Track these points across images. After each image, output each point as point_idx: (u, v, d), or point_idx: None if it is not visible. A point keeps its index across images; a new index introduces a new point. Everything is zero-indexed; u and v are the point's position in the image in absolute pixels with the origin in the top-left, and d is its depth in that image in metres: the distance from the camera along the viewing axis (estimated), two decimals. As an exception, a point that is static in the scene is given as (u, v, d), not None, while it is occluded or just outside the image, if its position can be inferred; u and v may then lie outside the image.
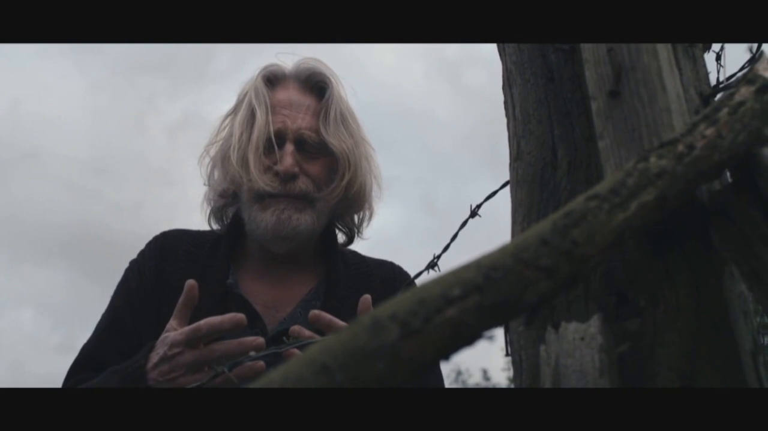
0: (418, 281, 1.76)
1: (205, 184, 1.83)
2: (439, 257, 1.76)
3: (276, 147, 1.66)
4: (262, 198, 1.67)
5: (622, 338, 0.81)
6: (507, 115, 1.13)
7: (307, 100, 1.74)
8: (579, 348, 0.78)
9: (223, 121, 1.81)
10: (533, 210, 0.98)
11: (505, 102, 1.14)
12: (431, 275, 1.45)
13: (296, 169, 1.67)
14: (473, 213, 1.76)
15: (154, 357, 1.39)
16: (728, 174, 0.87)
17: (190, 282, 1.44)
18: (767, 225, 0.81)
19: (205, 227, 1.84)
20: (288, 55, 1.84)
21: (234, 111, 1.78)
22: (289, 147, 1.68)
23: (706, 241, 0.84)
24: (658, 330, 0.81)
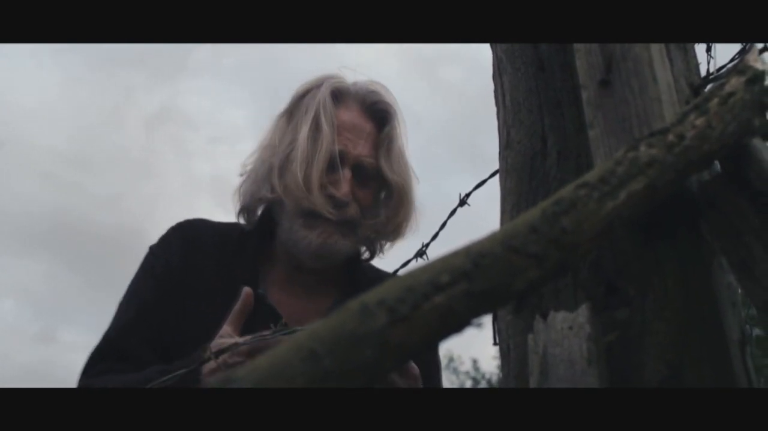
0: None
1: (241, 175, 1.79)
2: (427, 245, 1.76)
3: (338, 170, 1.65)
4: (310, 216, 1.64)
5: (610, 327, 0.81)
6: (497, 104, 1.13)
7: (368, 127, 1.72)
8: (567, 337, 0.78)
9: (278, 121, 1.76)
10: (522, 199, 0.98)
11: (495, 91, 1.14)
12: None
13: (351, 196, 1.66)
14: (462, 202, 1.76)
15: (212, 363, 1.36)
16: (718, 164, 0.87)
17: (247, 290, 1.44)
18: (756, 216, 0.81)
19: (199, 213, 1.82)
20: (349, 70, 1.81)
21: (292, 115, 1.73)
22: (348, 173, 1.66)
23: (696, 231, 0.84)
24: (646, 319, 0.81)
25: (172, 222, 1.80)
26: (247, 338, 1.34)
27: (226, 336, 1.40)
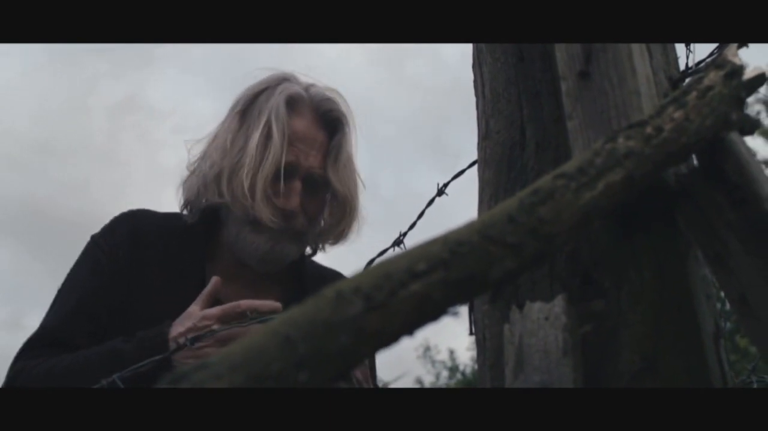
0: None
1: (187, 168, 1.77)
2: (405, 234, 1.76)
3: (282, 180, 1.64)
4: (257, 223, 1.64)
5: (586, 318, 0.81)
6: (476, 94, 1.13)
7: (320, 136, 1.72)
8: (543, 328, 0.79)
9: (231, 119, 1.72)
10: (500, 190, 0.98)
11: (475, 81, 1.14)
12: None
13: (300, 208, 1.67)
14: (440, 191, 1.76)
15: (179, 328, 1.40)
16: (695, 158, 0.87)
17: (216, 278, 1.50)
18: (732, 210, 0.81)
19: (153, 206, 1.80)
20: (302, 74, 1.79)
21: (245, 116, 1.70)
22: (297, 185, 1.66)
23: (672, 224, 0.84)
24: (621, 311, 0.81)
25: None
26: (216, 309, 1.40)
27: (195, 317, 1.41)
